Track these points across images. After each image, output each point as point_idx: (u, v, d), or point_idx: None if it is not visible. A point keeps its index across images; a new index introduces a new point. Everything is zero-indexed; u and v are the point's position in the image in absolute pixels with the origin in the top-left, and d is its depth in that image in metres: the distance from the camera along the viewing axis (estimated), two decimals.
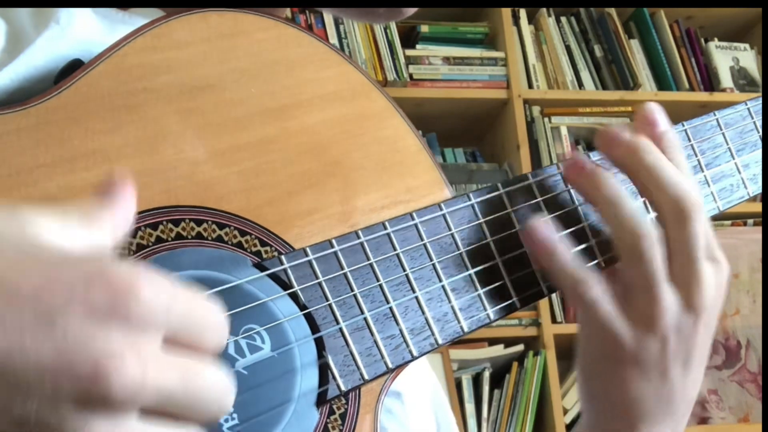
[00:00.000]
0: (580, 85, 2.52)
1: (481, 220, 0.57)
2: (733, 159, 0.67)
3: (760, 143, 0.68)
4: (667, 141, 0.59)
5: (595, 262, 0.60)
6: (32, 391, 0.32)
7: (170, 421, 0.35)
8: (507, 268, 0.57)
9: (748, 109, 0.69)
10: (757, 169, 0.68)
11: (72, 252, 0.36)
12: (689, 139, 0.65)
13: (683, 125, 0.65)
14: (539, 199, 0.59)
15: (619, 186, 0.56)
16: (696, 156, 0.65)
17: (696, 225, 0.56)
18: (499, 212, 0.58)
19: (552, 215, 0.59)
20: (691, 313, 0.56)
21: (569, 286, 0.55)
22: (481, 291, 0.56)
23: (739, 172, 0.67)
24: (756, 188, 0.68)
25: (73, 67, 0.49)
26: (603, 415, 0.59)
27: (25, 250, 0.34)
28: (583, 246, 0.60)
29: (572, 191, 0.60)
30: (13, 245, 0.34)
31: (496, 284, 0.57)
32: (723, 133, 0.67)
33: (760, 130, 0.69)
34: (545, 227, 0.56)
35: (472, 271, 0.56)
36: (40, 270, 0.33)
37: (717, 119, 0.67)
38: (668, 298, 0.55)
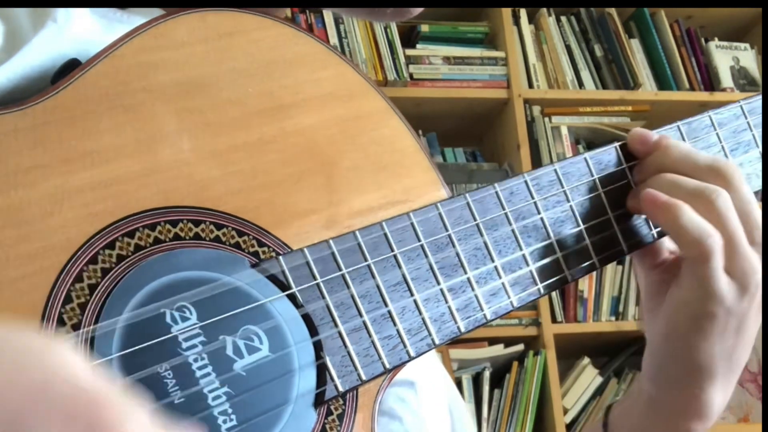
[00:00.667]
0: (581, 84, 2.51)
1: (479, 221, 0.57)
2: (727, 158, 0.67)
3: (753, 143, 0.69)
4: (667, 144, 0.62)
5: (590, 262, 0.60)
6: None
7: None
8: (504, 269, 0.57)
9: (741, 108, 0.69)
10: (751, 169, 0.68)
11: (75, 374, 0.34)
12: (684, 139, 0.65)
13: (677, 124, 0.65)
14: (536, 199, 0.59)
15: (686, 149, 0.61)
16: None
17: (746, 187, 0.60)
18: (495, 213, 0.58)
19: (548, 214, 0.59)
20: (752, 290, 0.59)
21: (694, 240, 0.57)
22: (478, 291, 0.56)
23: None
24: (752, 187, 0.68)
25: (70, 67, 0.49)
26: (677, 375, 0.61)
27: (19, 368, 0.33)
28: (581, 245, 0.60)
29: (567, 192, 0.60)
30: (13, 357, 0.33)
31: (493, 284, 0.57)
32: (717, 133, 0.67)
33: (754, 130, 0.69)
34: (661, 193, 0.59)
35: (468, 272, 0.56)
36: (26, 390, 0.32)
37: (711, 118, 0.67)
38: (753, 254, 0.59)
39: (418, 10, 0.63)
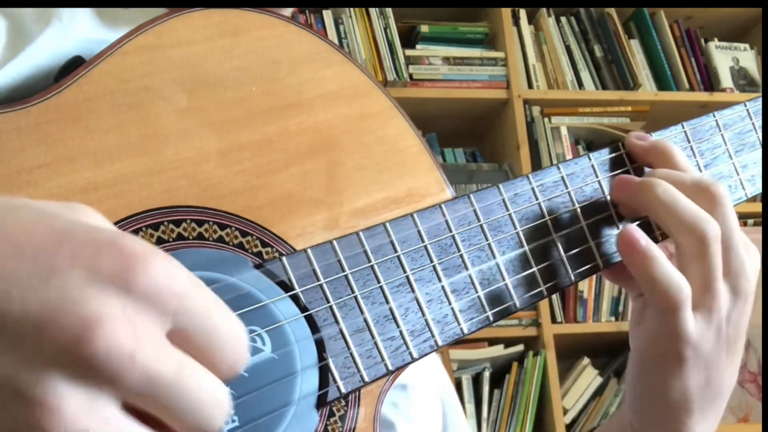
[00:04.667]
0: (580, 85, 2.51)
1: (482, 222, 0.57)
2: (732, 160, 0.67)
3: (758, 144, 0.68)
4: (659, 147, 0.61)
5: (593, 264, 0.60)
6: (9, 343, 0.30)
7: (152, 426, 0.32)
8: (507, 269, 0.57)
9: (747, 110, 0.69)
10: (756, 171, 0.68)
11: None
12: (688, 140, 0.65)
13: (683, 126, 0.65)
14: (540, 200, 0.59)
15: (672, 190, 0.58)
16: (695, 157, 0.65)
17: (732, 215, 0.58)
18: (499, 214, 0.58)
19: (551, 217, 0.59)
20: (738, 301, 0.59)
21: (662, 291, 0.56)
22: (481, 292, 0.56)
23: (738, 174, 0.67)
24: (754, 190, 0.68)
25: (73, 65, 0.49)
26: (653, 410, 0.61)
27: (44, 216, 0.32)
28: (583, 247, 0.60)
29: (571, 193, 0.60)
30: (34, 212, 0.33)
31: (496, 286, 0.57)
32: (722, 134, 0.67)
33: (759, 131, 0.69)
34: (642, 234, 0.57)
35: (472, 272, 0.56)
36: (51, 232, 0.31)
37: (716, 120, 0.67)
38: (724, 291, 0.58)
39: None
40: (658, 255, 0.56)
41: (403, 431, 0.61)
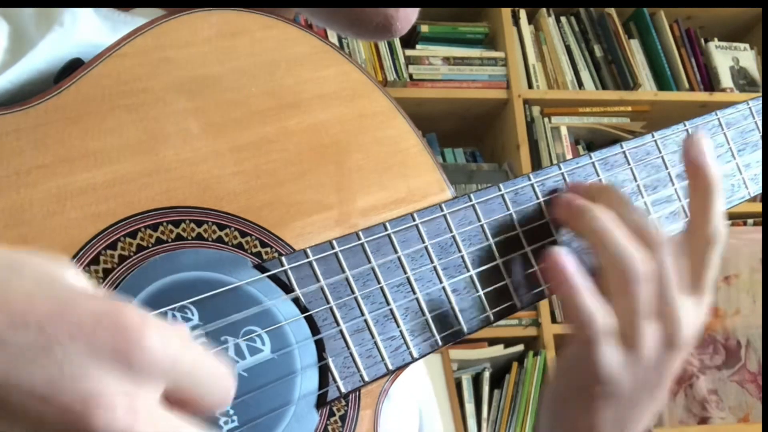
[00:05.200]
0: (580, 85, 2.51)
1: (483, 222, 0.57)
2: (735, 159, 0.67)
3: (761, 143, 0.68)
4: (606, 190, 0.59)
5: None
6: (18, 415, 0.32)
7: None
8: (508, 269, 0.57)
9: (750, 108, 0.68)
10: (758, 169, 0.68)
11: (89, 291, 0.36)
12: None
13: (685, 125, 0.65)
14: (540, 200, 0.59)
15: (607, 221, 0.56)
16: None
17: (666, 263, 0.56)
18: (500, 214, 0.57)
19: (551, 218, 0.59)
20: (670, 349, 0.56)
21: (579, 320, 0.54)
22: (481, 292, 0.56)
23: (741, 173, 0.67)
24: (757, 188, 0.68)
25: (72, 66, 0.49)
26: None
27: (43, 283, 0.34)
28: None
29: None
30: (33, 277, 0.34)
31: (497, 285, 0.57)
32: (725, 133, 0.67)
33: (761, 130, 0.68)
34: (568, 259, 0.55)
35: (473, 272, 0.56)
36: (52, 303, 0.33)
37: (719, 119, 0.66)
38: (649, 333, 0.55)
39: (402, 32, 0.61)
40: (580, 284, 0.54)
41: None
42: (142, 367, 0.33)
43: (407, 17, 0.60)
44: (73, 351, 0.32)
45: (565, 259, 0.55)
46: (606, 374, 0.55)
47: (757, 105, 0.69)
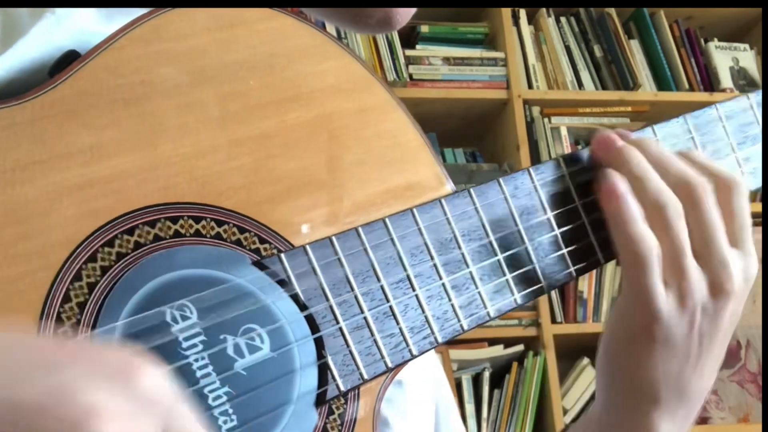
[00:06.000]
0: (580, 85, 2.51)
1: (483, 217, 0.56)
2: (734, 153, 0.67)
3: (760, 136, 0.68)
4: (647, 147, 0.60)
5: (594, 258, 0.60)
6: (13, 426, 0.31)
7: None
8: (508, 265, 0.57)
9: (749, 101, 0.68)
10: (758, 163, 0.67)
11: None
12: (690, 132, 0.65)
13: (685, 118, 0.65)
14: (540, 194, 0.59)
15: (645, 162, 0.58)
16: (697, 149, 0.65)
17: (709, 207, 0.57)
18: (499, 208, 0.57)
19: (554, 213, 0.59)
20: (717, 297, 0.57)
21: (632, 244, 0.56)
22: (481, 288, 0.56)
23: (740, 166, 0.67)
24: (756, 182, 0.67)
25: (68, 59, 0.48)
26: (619, 396, 0.60)
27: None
28: (584, 242, 0.60)
29: (571, 187, 0.60)
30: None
31: (497, 281, 0.56)
32: (723, 126, 0.66)
33: (761, 123, 0.68)
34: (624, 185, 0.57)
35: (472, 268, 0.56)
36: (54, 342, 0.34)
37: (718, 111, 0.66)
38: (695, 274, 0.56)
39: (402, 24, 0.61)
40: (635, 209, 0.56)
41: (397, 426, 0.61)
42: (145, 395, 0.33)
43: (407, 10, 0.60)
44: (75, 371, 0.32)
45: (621, 183, 0.56)
46: (662, 312, 0.56)
47: (756, 98, 0.68)
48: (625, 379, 0.59)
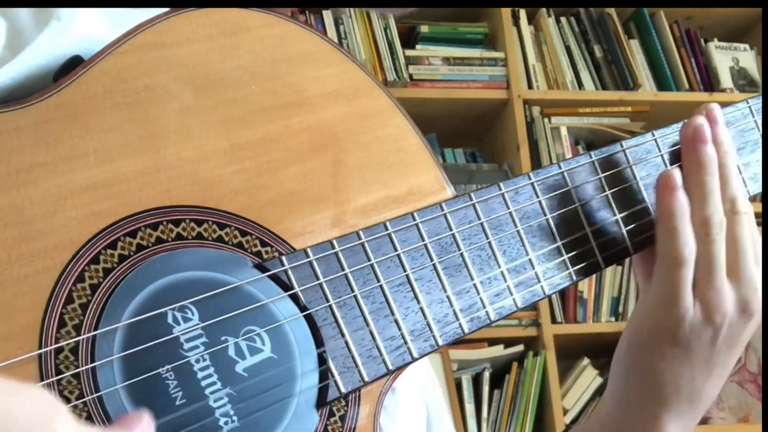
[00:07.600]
0: (580, 85, 2.51)
1: (483, 221, 0.57)
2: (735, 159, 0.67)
3: (760, 142, 0.68)
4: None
5: (594, 260, 0.60)
6: None
7: None
8: (508, 269, 0.57)
9: (750, 107, 0.68)
10: (758, 168, 0.68)
11: None
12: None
13: (684, 123, 0.65)
14: (540, 198, 0.59)
15: (717, 177, 0.60)
16: None
17: (750, 229, 0.59)
18: (500, 212, 0.57)
19: (555, 213, 0.59)
20: (743, 314, 0.59)
21: (674, 238, 0.57)
22: (481, 291, 0.56)
23: (740, 172, 0.67)
24: (756, 187, 0.68)
25: (72, 64, 0.48)
26: (632, 393, 0.61)
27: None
28: (584, 248, 0.60)
29: (572, 190, 0.60)
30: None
31: (497, 284, 0.56)
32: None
33: (761, 129, 0.68)
34: (680, 179, 0.58)
35: (472, 272, 0.56)
36: None
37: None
38: (727, 290, 0.58)
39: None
40: (686, 208, 0.58)
41: (387, 430, 0.61)
42: None
43: None
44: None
45: (678, 178, 0.58)
46: (685, 308, 0.57)
47: (756, 104, 0.68)
48: (641, 378, 0.60)
